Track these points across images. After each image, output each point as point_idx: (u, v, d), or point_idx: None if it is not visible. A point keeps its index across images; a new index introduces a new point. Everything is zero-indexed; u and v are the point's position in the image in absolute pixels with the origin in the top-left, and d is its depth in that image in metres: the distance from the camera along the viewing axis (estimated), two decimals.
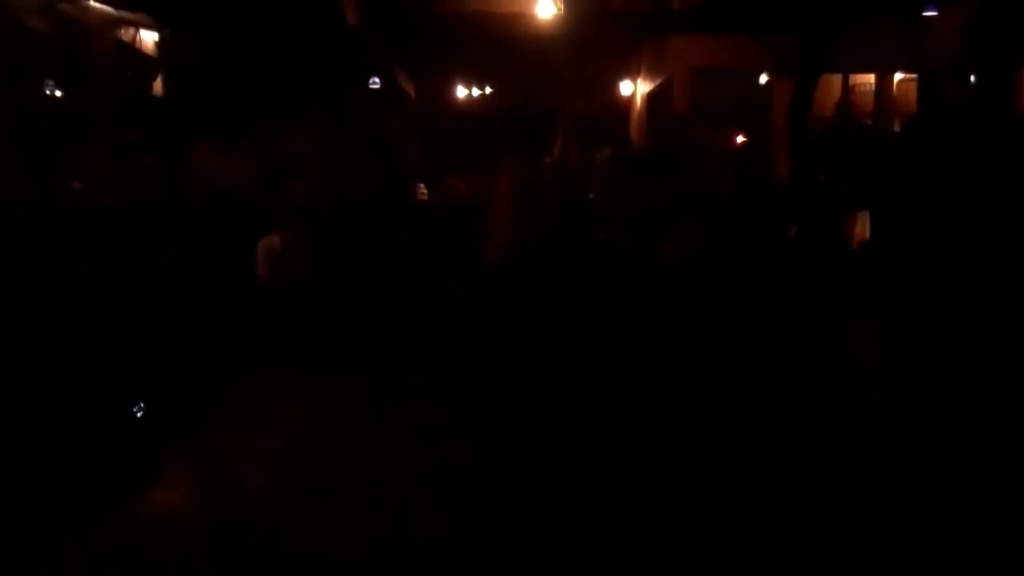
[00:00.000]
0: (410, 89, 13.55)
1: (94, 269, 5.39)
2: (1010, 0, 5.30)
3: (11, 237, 5.06)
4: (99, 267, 5.44)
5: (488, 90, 16.15)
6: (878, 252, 5.75)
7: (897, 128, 10.36)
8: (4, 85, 5.84)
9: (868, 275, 5.16)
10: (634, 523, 3.58)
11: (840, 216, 7.34)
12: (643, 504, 3.78)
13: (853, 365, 4.44)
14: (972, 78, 5.63)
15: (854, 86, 11.13)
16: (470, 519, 3.63)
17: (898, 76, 10.89)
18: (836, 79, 10.72)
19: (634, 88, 13.93)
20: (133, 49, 7.32)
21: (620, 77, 13.90)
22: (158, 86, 7.59)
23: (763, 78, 10.81)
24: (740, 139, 10.60)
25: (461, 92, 16.18)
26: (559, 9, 9.60)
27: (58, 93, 6.91)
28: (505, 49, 11.93)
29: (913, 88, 10.48)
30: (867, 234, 6.86)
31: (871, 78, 11.03)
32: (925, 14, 8.97)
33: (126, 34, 7.21)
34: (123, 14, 6.92)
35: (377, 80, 11.95)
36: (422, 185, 10.44)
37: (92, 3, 6.55)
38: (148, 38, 7.46)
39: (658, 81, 12.39)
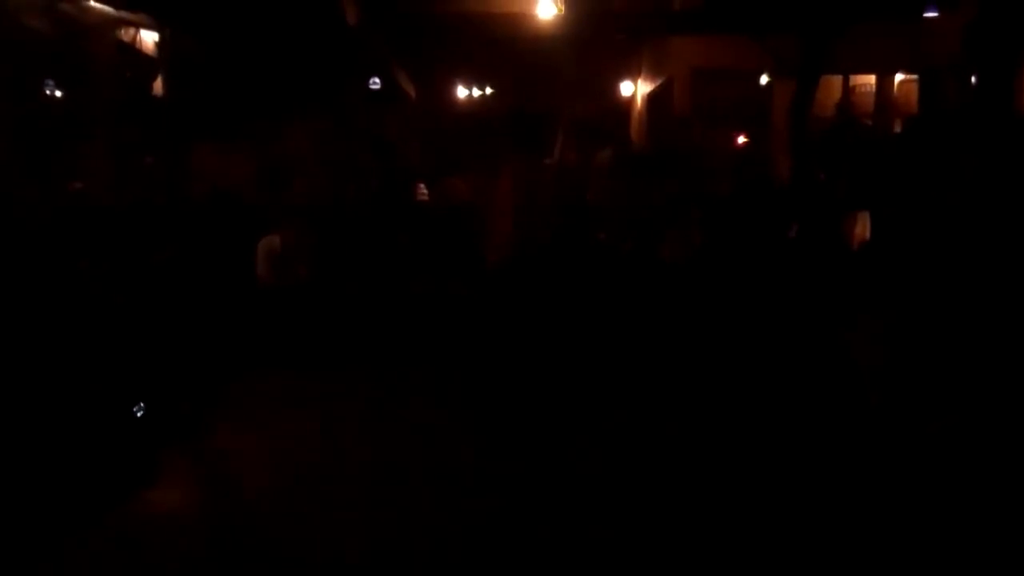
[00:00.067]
0: (410, 89, 13.55)
1: (94, 269, 5.39)
2: (1010, 0, 5.30)
3: (11, 237, 5.06)
4: (99, 267, 5.44)
5: (488, 90, 16.14)
6: (878, 252, 5.75)
7: (898, 128, 10.36)
8: (4, 85, 5.84)
9: (868, 275, 5.16)
10: (634, 523, 3.58)
11: (840, 216, 7.34)
12: (643, 504, 3.78)
13: (853, 365, 4.44)
14: (972, 78, 5.62)
15: (855, 87, 11.13)
16: (470, 519, 3.63)
17: (899, 77, 10.89)
18: (837, 80, 10.72)
19: (634, 88, 13.93)
20: (133, 49, 7.33)
21: (620, 77, 13.90)
22: (158, 86, 7.59)
23: (763, 78, 10.80)
24: (741, 139, 10.60)
25: (461, 92, 16.17)
26: (559, 9, 9.60)
27: (58, 93, 6.92)
28: (505, 49, 11.93)
29: (914, 89, 10.49)
30: (867, 234, 6.86)
31: (872, 79, 11.02)
32: (925, 14, 8.97)
33: (126, 34, 7.21)
34: (123, 14, 6.92)
35: (377, 80, 11.95)
36: (422, 185, 10.44)
37: (92, 3, 6.55)
38: (148, 38, 7.47)
39: (658, 81, 12.39)
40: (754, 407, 4.86)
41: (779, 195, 8.00)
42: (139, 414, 4.42)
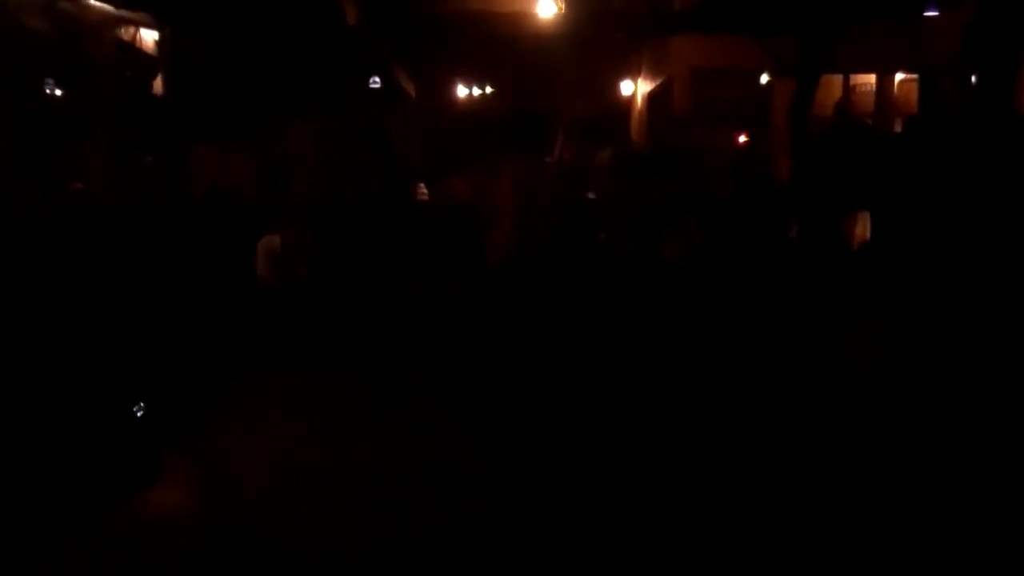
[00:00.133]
0: (410, 89, 13.55)
1: (94, 269, 5.39)
2: (1010, 0, 5.30)
3: (11, 237, 5.06)
4: (99, 267, 5.44)
5: (489, 90, 16.14)
6: (878, 252, 5.75)
7: (898, 128, 10.36)
8: (4, 85, 5.84)
9: (868, 275, 5.16)
10: (634, 523, 3.58)
11: (840, 216, 7.34)
12: (643, 504, 3.78)
13: (853, 365, 4.44)
14: (972, 78, 5.62)
15: (855, 86, 11.13)
16: (470, 519, 3.63)
17: (899, 76, 10.89)
18: (837, 79, 10.71)
19: (634, 88, 13.92)
20: (133, 48, 7.33)
21: (620, 77, 13.89)
22: (158, 85, 7.59)
23: (763, 78, 10.81)
24: (743, 139, 10.59)
25: (461, 92, 16.17)
26: (560, 9, 9.60)
27: (58, 93, 6.92)
28: (506, 49, 11.92)
29: (914, 88, 10.48)
30: (867, 234, 6.86)
31: (872, 78, 11.02)
32: (925, 14, 8.97)
33: (126, 33, 7.22)
34: (123, 13, 6.93)
35: (377, 80, 11.95)
36: (422, 185, 10.44)
37: (92, 2, 6.56)
38: (148, 37, 7.47)
39: (658, 81, 12.38)
40: (754, 407, 4.86)
41: (779, 195, 8.01)
42: (139, 414, 4.42)
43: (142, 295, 5.57)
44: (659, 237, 6.87)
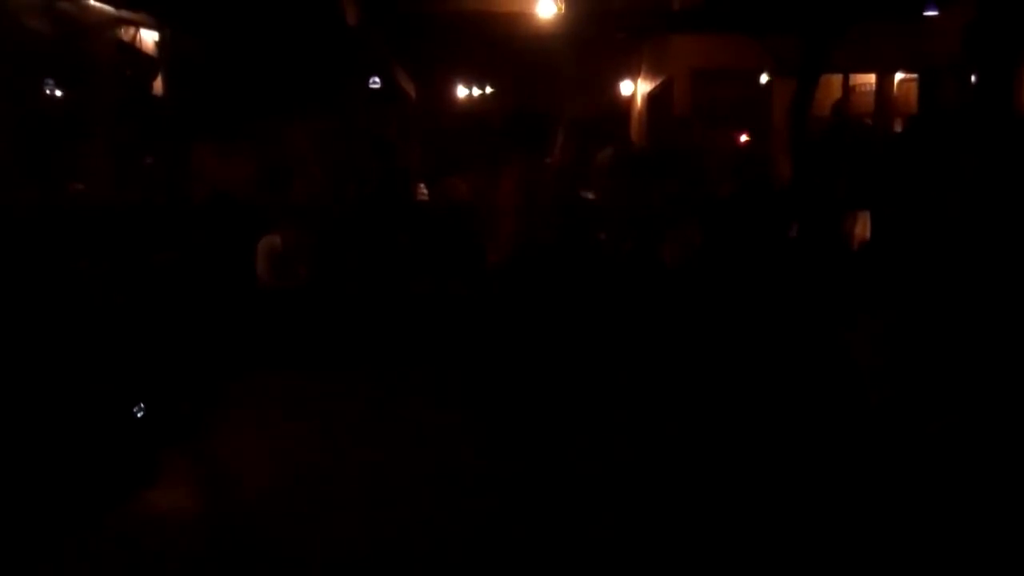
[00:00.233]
0: (410, 89, 13.55)
1: (94, 269, 5.39)
2: (1010, 0, 5.30)
3: (11, 237, 5.06)
4: (99, 267, 5.44)
5: (488, 90, 16.15)
6: (878, 252, 5.75)
7: (898, 128, 10.36)
8: (4, 85, 5.84)
9: (868, 275, 5.16)
10: (634, 523, 3.58)
11: (840, 216, 7.33)
12: (643, 505, 3.78)
13: (853, 365, 4.43)
14: (972, 78, 5.62)
15: (855, 86, 11.13)
16: (470, 519, 3.63)
17: (899, 76, 10.89)
18: (836, 79, 10.71)
19: (634, 88, 13.92)
20: (133, 49, 7.33)
21: (620, 77, 13.90)
22: (158, 86, 7.59)
23: (763, 78, 10.81)
24: (744, 139, 10.59)
25: (461, 92, 16.18)
26: (559, 9, 9.60)
27: (58, 93, 6.91)
28: (505, 49, 11.93)
29: (913, 88, 10.48)
30: (867, 234, 6.86)
31: (872, 78, 11.02)
32: (925, 14, 8.97)
33: (126, 33, 7.21)
34: (123, 13, 6.93)
35: (377, 80, 11.95)
36: (422, 185, 10.44)
37: (92, 2, 6.56)
38: (148, 38, 7.47)
39: (658, 81, 12.39)
40: (754, 407, 4.86)
41: (779, 195, 8.00)
42: (139, 414, 4.42)
43: (142, 295, 5.57)
44: (659, 237, 6.86)
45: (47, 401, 4.13)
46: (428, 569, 3.28)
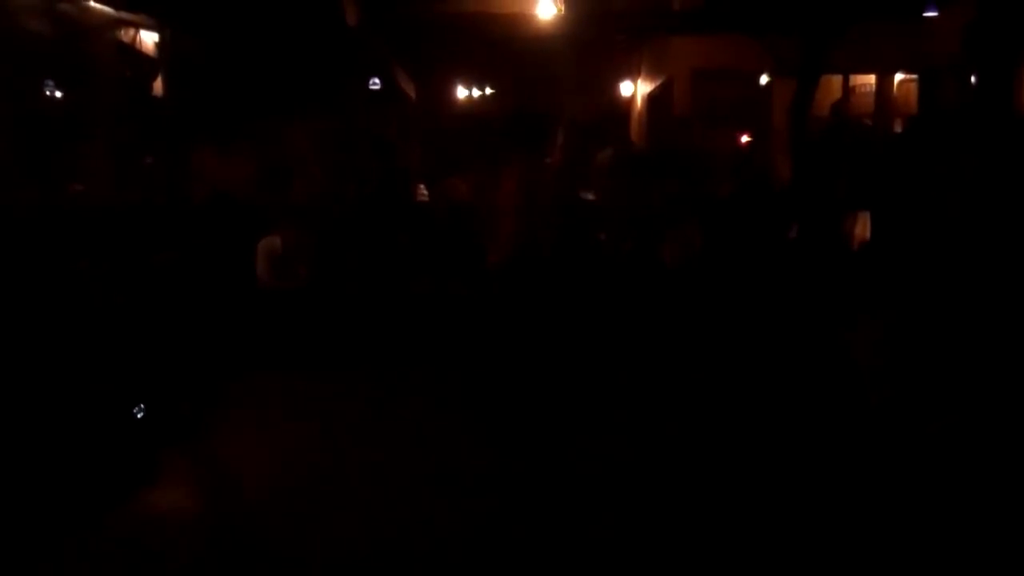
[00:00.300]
0: (410, 90, 13.55)
1: (94, 269, 5.39)
2: (1010, 0, 5.30)
3: (11, 237, 5.06)
4: (99, 267, 5.44)
5: (488, 91, 16.15)
6: (878, 252, 5.75)
7: (898, 128, 10.35)
8: (4, 85, 5.84)
9: (868, 275, 5.16)
10: (634, 524, 3.58)
11: (840, 216, 7.34)
12: (643, 505, 3.78)
13: (853, 365, 4.44)
14: (972, 78, 5.62)
15: (855, 87, 11.13)
16: (470, 519, 3.63)
17: (898, 77, 10.89)
18: (836, 80, 10.71)
19: (634, 89, 13.93)
20: (133, 50, 7.33)
21: (620, 78, 13.91)
22: (158, 86, 7.60)
23: (763, 78, 10.81)
24: (745, 139, 10.59)
25: (461, 93, 16.19)
26: (559, 10, 9.60)
27: (58, 94, 6.92)
28: (505, 50, 11.93)
29: (913, 89, 10.48)
30: (867, 234, 6.86)
31: (872, 79, 11.02)
32: (925, 14, 8.97)
33: (126, 35, 7.22)
34: (123, 15, 6.93)
35: (377, 81, 11.95)
36: (422, 186, 10.44)
37: (92, 4, 6.56)
38: (148, 39, 7.47)
39: (658, 82, 12.39)
40: (754, 407, 4.86)
41: (779, 195, 8.01)
42: (139, 415, 4.42)
43: (142, 296, 5.57)
44: (659, 237, 6.87)
45: (47, 401, 4.13)
46: (428, 569, 3.28)
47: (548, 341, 5.86)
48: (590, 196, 7.74)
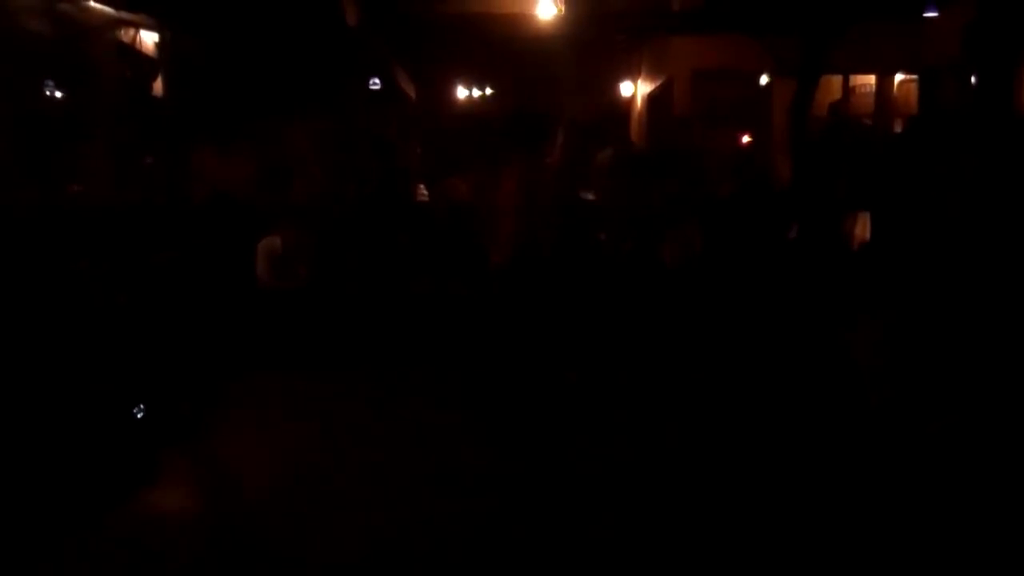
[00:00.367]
0: (410, 90, 13.55)
1: (94, 269, 5.39)
2: (1010, 0, 5.30)
3: (11, 237, 5.06)
4: (99, 267, 5.44)
5: (488, 91, 16.15)
6: (878, 252, 5.75)
7: (898, 128, 10.35)
8: (4, 85, 5.84)
9: (868, 275, 5.16)
10: (634, 524, 3.58)
11: (840, 216, 7.34)
12: (643, 505, 3.78)
13: (853, 365, 4.44)
14: (972, 78, 5.62)
15: (855, 87, 11.13)
16: (470, 519, 3.63)
17: (898, 77, 10.89)
18: (836, 80, 10.71)
19: (634, 89, 13.93)
20: (133, 50, 7.33)
21: (620, 78, 13.91)
22: (158, 87, 7.59)
23: (763, 79, 10.81)
24: (746, 139, 10.59)
25: (461, 93, 16.19)
26: (559, 10, 9.60)
27: (58, 94, 6.91)
28: (505, 50, 11.93)
29: (913, 89, 10.48)
30: (867, 234, 6.86)
31: (872, 79, 11.02)
32: (925, 14, 8.97)
33: (126, 35, 7.21)
34: (123, 15, 6.93)
35: (377, 81, 11.95)
36: (422, 186, 10.44)
37: (92, 4, 6.56)
38: (148, 39, 7.47)
39: (658, 82, 12.39)
40: (754, 407, 4.86)
41: (779, 195, 8.00)
42: (139, 415, 4.42)
43: (142, 296, 5.57)
44: (659, 237, 6.87)
45: (48, 401, 4.13)
46: (428, 569, 3.28)
47: (548, 341, 5.86)
48: (590, 196, 7.74)
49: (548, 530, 3.53)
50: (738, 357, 5.60)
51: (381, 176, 9.42)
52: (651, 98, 13.11)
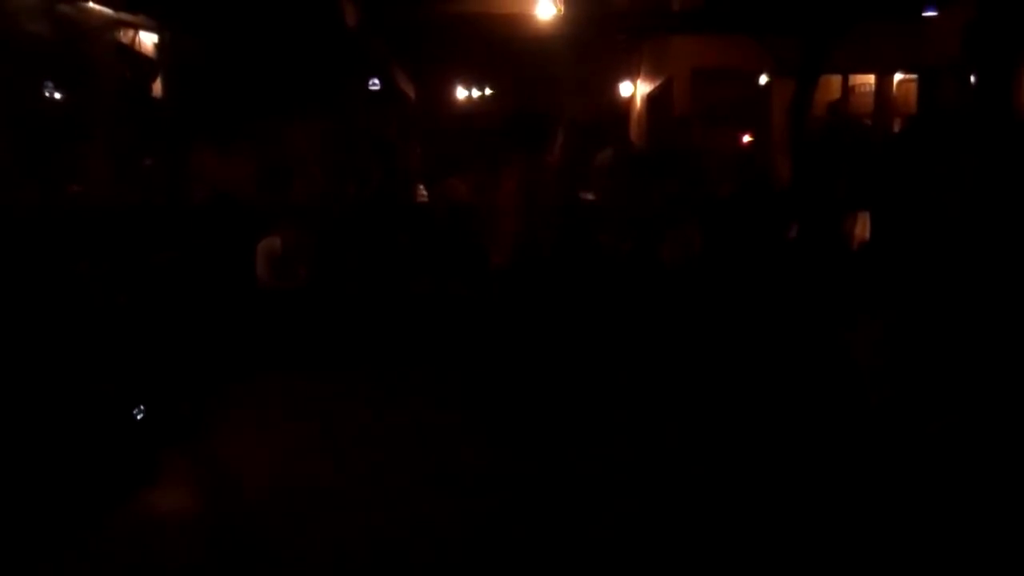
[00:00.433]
0: (410, 90, 13.56)
1: (94, 270, 5.40)
2: (1010, 0, 5.30)
3: (11, 238, 5.06)
4: (99, 268, 5.44)
5: (488, 91, 16.16)
6: (878, 253, 5.74)
7: (897, 128, 10.35)
8: (4, 86, 5.84)
9: (868, 275, 5.16)
10: (634, 524, 3.58)
11: (840, 216, 7.33)
12: (643, 505, 3.78)
13: (853, 365, 4.44)
14: (972, 78, 5.62)
15: (854, 86, 11.13)
16: (470, 519, 3.63)
17: (898, 76, 10.89)
18: (836, 80, 10.71)
19: (634, 89, 13.93)
20: (132, 51, 7.34)
21: (620, 78, 13.91)
22: (158, 87, 7.60)
23: (763, 78, 10.81)
24: (747, 139, 10.59)
25: (461, 93, 16.19)
26: (559, 10, 9.61)
27: (58, 95, 6.92)
28: (505, 50, 11.94)
29: (913, 88, 10.48)
30: (867, 234, 6.86)
31: (871, 78, 11.02)
32: (925, 14, 8.97)
33: (125, 36, 7.22)
34: (122, 16, 6.94)
35: (377, 81, 11.95)
36: (422, 186, 10.44)
37: (91, 5, 6.56)
38: (147, 40, 7.48)
39: (658, 82, 12.39)
40: (754, 407, 4.86)
41: (779, 195, 8.00)
42: (139, 415, 4.42)
43: (142, 296, 5.57)
44: (659, 237, 6.86)
45: (48, 402, 4.13)
46: (428, 569, 3.28)
47: (548, 341, 5.85)
48: (590, 196, 7.74)
49: (548, 530, 3.53)
50: (738, 357, 5.60)
51: (381, 176, 9.42)
52: (651, 98, 13.11)
